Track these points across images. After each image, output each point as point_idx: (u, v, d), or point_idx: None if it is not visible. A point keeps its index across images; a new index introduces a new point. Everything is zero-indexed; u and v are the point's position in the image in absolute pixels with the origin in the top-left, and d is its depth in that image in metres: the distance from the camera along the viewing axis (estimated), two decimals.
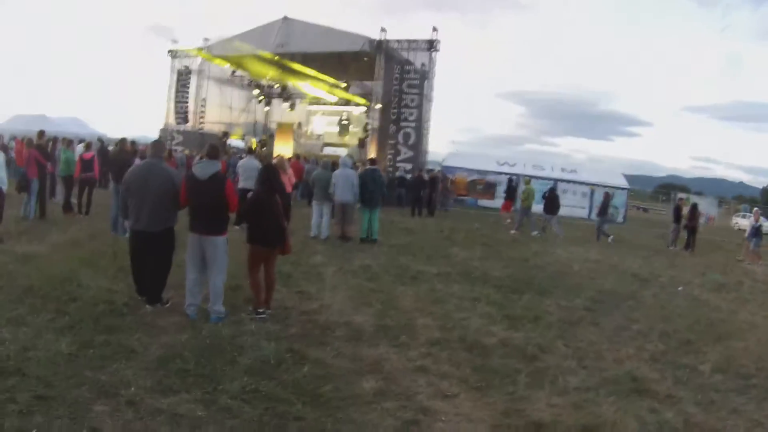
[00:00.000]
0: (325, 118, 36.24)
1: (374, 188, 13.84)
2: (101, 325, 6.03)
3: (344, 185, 13.34)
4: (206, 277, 6.72)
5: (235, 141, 33.37)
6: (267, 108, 38.17)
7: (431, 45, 27.73)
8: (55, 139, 14.28)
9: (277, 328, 6.50)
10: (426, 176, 24.53)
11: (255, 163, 13.76)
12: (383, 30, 28.07)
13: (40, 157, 12.66)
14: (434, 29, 28.06)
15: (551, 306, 8.80)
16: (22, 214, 12.62)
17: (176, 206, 6.83)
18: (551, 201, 19.84)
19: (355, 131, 34.54)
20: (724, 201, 59.43)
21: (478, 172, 33.41)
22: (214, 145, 7.06)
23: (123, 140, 12.87)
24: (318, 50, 28.44)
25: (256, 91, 36.40)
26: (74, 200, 14.10)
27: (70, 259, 9.02)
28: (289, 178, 14.76)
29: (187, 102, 32.89)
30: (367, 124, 33.70)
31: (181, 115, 32.88)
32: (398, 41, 28.20)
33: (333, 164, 16.43)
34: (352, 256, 11.71)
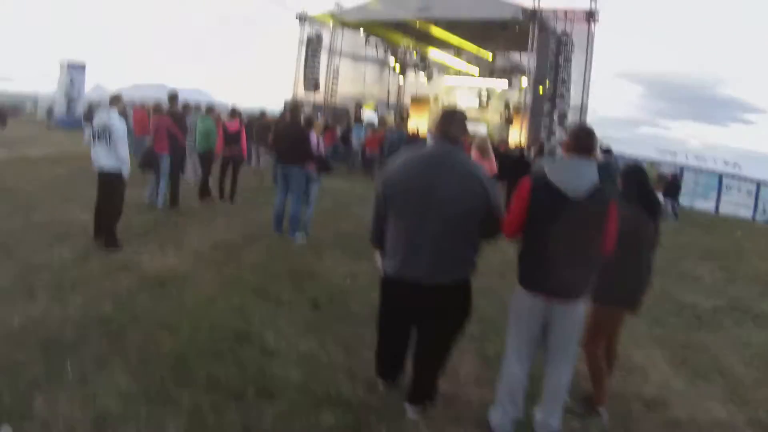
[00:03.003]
0: (465, 92, 31.94)
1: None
2: None
3: None
4: (546, 370, 3.68)
5: (368, 112, 29.68)
6: (402, 79, 34.17)
7: (591, 15, 23.17)
8: (187, 106, 11.02)
9: None
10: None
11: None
12: None
13: (175, 128, 9.60)
14: None
15: None
16: (147, 202, 9.51)
17: (490, 241, 3.78)
18: None
19: (497, 107, 30.27)
20: None
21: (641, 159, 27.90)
22: (589, 132, 3.40)
23: (295, 106, 9.52)
24: (464, 17, 24.31)
25: (392, 60, 32.48)
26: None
27: (233, 288, 6.14)
28: (491, 167, 11.11)
29: (317, 70, 29.45)
30: (508, 100, 29.64)
31: (312, 83, 29.53)
32: (554, 11, 23.76)
33: None
34: None
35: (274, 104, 34.65)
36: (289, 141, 8.51)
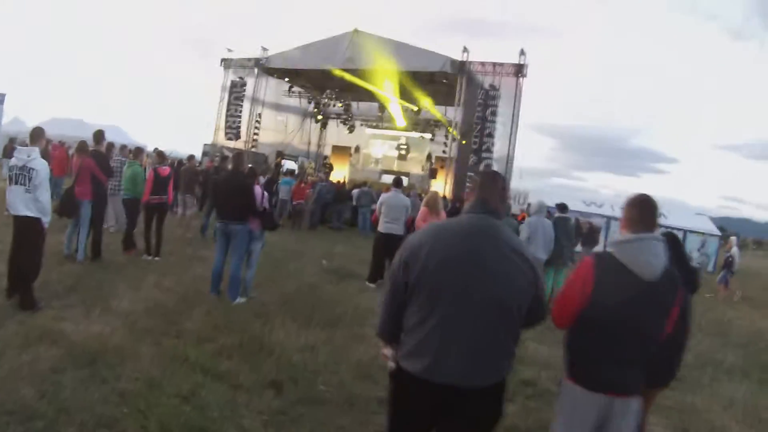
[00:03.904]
0: (387, 142, 31.55)
1: (566, 242, 10.06)
2: None
3: (542, 240, 9.43)
4: None
5: (287, 161, 28.75)
6: (322, 129, 33.52)
7: (519, 70, 23.39)
8: (110, 146, 9.68)
9: None
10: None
11: (404, 200, 9.54)
12: (465, 50, 23.92)
13: (98, 170, 8.28)
14: (522, 52, 23.67)
15: None
16: (65, 253, 8.22)
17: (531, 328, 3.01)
18: None
19: (418, 158, 30.04)
20: (744, 241, 56.58)
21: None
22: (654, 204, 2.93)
23: (238, 155, 8.41)
24: (392, 68, 23.93)
25: (314, 109, 31.76)
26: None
27: (178, 367, 5.02)
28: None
29: (240, 116, 28.40)
30: (431, 152, 29.51)
31: (233, 130, 28.39)
32: (482, 63, 23.85)
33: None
34: None
35: (190, 149, 32.95)
36: (232, 195, 7.52)
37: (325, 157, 32.78)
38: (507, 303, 2.62)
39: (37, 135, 6.18)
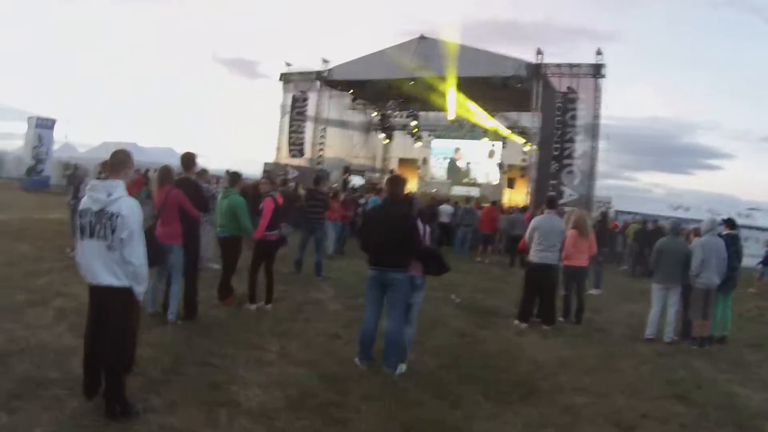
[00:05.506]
0: (457, 154, 29.28)
1: (737, 263, 8.27)
2: None
3: (716, 262, 7.63)
4: None
5: (354, 176, 26.62)
6: (387, 141, 31.26)
7: (597, 70, 20.92)
8: (204, 173, 7.51)
9: None
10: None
11: (560, 224, 7.31)
12: (540, 53, 21.53)
13: (189, 205, 6.14)
14: (599, 52, 21.19)
15: None
16: (148, 311, 6.05)
17: None
18: None
19: (489, 168, 27.74)
20: None
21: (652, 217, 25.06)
22: None
23: (394, 179, 5.93)
24: (462, 74, 21.64)
25: (379, 121, 29.63)
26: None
27: None
28: (590, 248, 8.24)
29: (303, 132, 26.37)
30: (502, 161, 27.21)
31: (297, 147, 26.39)
32: (558, 65, 21.46)
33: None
34: None
35: (248, 168, 31.01)
36: (392, 232, 5.30)
37: (391, 171, 30.67)
38: None
39: (120, 162, 3.99)
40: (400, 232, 5.22)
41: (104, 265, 3.73)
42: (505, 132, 26.58)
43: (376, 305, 5.43)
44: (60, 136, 31.74)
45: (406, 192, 6.05)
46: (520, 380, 5.50)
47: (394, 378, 5.14)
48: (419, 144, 29.77)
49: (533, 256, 7.85)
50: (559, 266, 8.16)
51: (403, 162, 30.17)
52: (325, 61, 25.88)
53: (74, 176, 10.93)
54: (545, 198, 9.07)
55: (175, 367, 4.79)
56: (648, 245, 16.11)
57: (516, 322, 7.91)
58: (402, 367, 5.32)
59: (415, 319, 5.71)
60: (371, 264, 5.42)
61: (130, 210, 3.75)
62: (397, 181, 5.64)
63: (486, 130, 26.72)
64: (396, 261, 5.24)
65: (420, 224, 5.44)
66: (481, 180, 28.31)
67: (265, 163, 26.93)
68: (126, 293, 3.77)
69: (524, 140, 25.21)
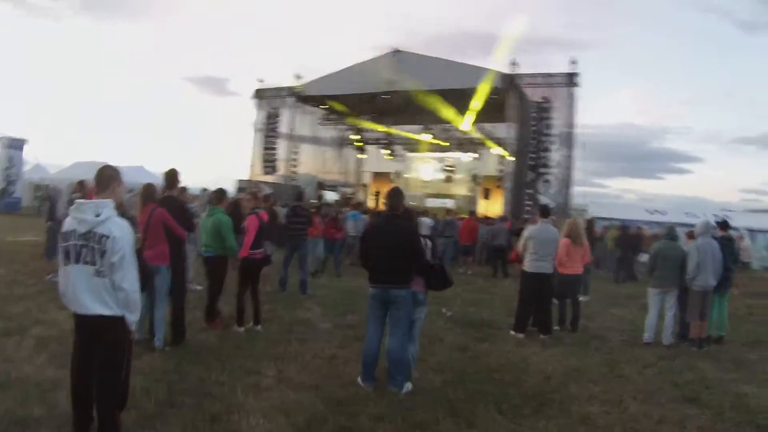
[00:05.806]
0: (430, 165, 29.19)
1: (732, 264, 8.34)
2: None
3: (712, 265, 7.63)
4: None
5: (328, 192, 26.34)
6: (361, 155, 31.03)
7: (571, 79, 21.02)
8: (183, 190, 7.19)
9: None
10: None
11: (554, 233, 7.20)
12: (514, 64, 21.57)
13: (174, 224, 5.82)
14: (572, 61, 21.37)
15: None
16: (137, 336, 5.64)
17: None
18: None
19: (464, 180, 27.68)
20: None
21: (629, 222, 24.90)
22: None
23: (393, 191, 5.62)
24: (437, 87, 21.54)
25: (352, 136, 29.39)
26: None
27: None
28: (583, 256, 8.11)
29: (274, 149, 26.01)
30: (477, 173, 27.18)
31: (270, 163, 25.99)
32: (532, 75, 21.51)
33: None
34: None
35: (220, 185, 30.67)
36: (394, 248, 5.06)
37: (390, 184, 30.53)
38: None
39: (109, 177, 3.64)
40: (402, 247, 4.97)
41: (93, 293, 3.39)
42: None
43: (378, 324, 5.16)
44: (30, 157, 30.95)
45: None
46: (529, 393, 5.30)
47: (401, 397, 4.87)
48: (392, 158, 29.62)
49: (528, 265, 7.69)
50: (555, 275, 7.99)
51: (377, 176, 29.97)
52: (298, 77, 25.60)
53: (48, 197, 10.48)
54: (538, 207, 8.95)
55: (170, 398, 4.44)
56: (631, 250, 16.20)
57: (513, 332, 7.73)
58: (408, 386, 5.05)
59: (417, 335, 5.45)
60: (372, 282, 5.15)
61: (121, 231, 3.42)
62: (396, 194, 5.38)
63: (459, 141, 26.71)
64: (398, 278, 4.99)
65: (420, 242, 5.19)
66: (454, 191, 28.28)
67: (239, 180, 26.51)
68: (118, 323, 3.43)
69: (503, 150, 25.20)
